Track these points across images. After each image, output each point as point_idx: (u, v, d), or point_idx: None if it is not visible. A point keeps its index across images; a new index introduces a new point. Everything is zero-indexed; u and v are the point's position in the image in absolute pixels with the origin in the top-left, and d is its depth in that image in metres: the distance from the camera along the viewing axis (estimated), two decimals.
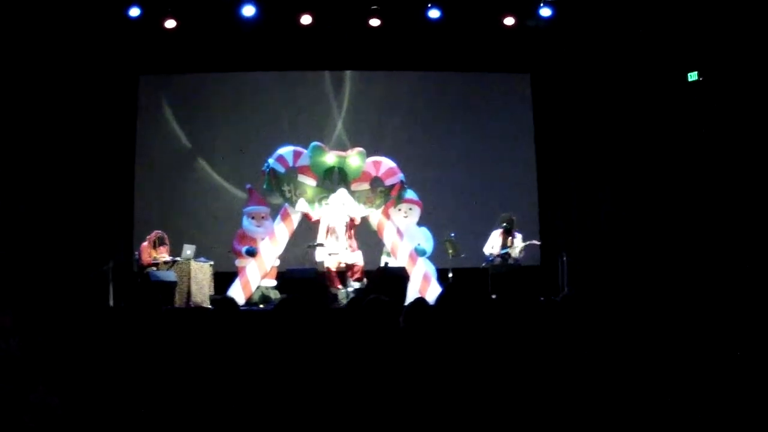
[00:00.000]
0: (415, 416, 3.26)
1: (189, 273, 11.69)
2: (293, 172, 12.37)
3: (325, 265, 12.10)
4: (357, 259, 12.14)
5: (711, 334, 4.51)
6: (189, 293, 11.58)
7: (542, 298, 4.75)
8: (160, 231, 12.12)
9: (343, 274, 12.03)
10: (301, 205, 12.34)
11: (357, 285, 11.84)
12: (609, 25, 13.96)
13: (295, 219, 12.56)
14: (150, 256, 11.83)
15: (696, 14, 13.18)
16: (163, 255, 11.90)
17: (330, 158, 12.45)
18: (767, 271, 11.57)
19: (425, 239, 12.81)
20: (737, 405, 3.51)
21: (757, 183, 12.95)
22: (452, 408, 3.26)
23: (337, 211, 12.06)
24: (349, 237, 12.05)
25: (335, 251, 11.98)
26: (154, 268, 11.72)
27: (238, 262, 12.45)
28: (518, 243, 12.44)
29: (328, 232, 12.10)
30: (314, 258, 12.18)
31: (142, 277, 11.69)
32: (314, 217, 12.28)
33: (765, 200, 12.77)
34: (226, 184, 14.61)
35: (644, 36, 13.81)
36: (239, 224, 12.58)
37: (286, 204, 12.48)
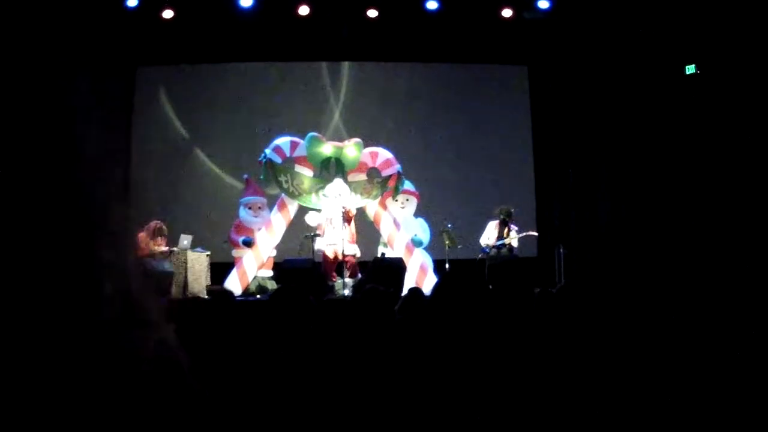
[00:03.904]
0: (410, 406, 3.27)
1: (185, 263, 11.67)
2: (290, 162, 12.36)
3: (322, 254, 12.09)
4: (354, 251, 12.12)
5: (708, 328, 4.51)
6: (185, 284, 11.57)
7: (537, 289, 4.75)
8: (159, 221, 12.04)
9: (340, 265, 12.01)
10: (312, 219, 12.28)
11: (350, 281, 11.81)
12: (607, 18, 13.95)
13: (292, 209, 12.56)
14: (147, 247, 11.80)
15: (693, 7, 13.18)
16: (160, 246, 11.88)
17: (327, 149, 12.43)
18: (763, 265, 11.58)
19: (422, 230, 12.82)
20: (735, 400, 3.52)
21: (755, 176, 12.96)
22: (447, 398, 3.28)
23: (333, 201, 12.03)
24: (348, 228, 12.01)
25: (332, 242, 11.96)
26: (151, 259, 11.70)
27: (235, 253, 12.46)
28: (514, 235, 12.43)
29: (325, 222, 12.08)
30: (312, 248, 12.16)
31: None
32: (324, 225, 12.19)
33: (762, 194, 12.78)
34: (223, 175, 14.63)
35: (642, 29, 13.81)
36: (236, 214, 12.59)
37: (283, 194, 12.48)
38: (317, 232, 12.05)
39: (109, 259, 0.97)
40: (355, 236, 12.17)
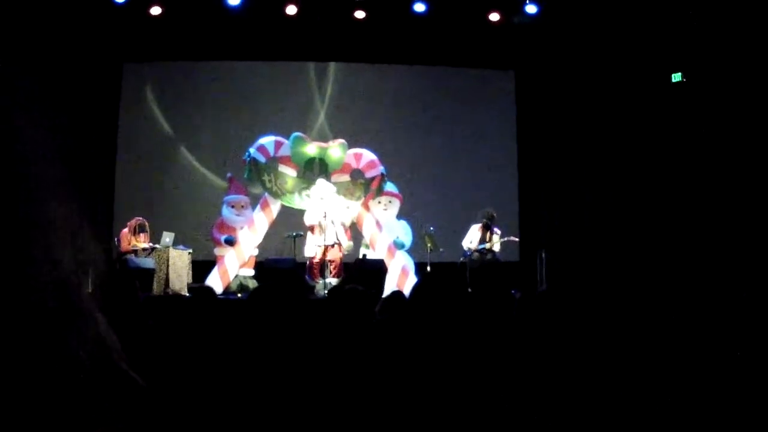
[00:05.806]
0: (388, 407, 3.28)
1: (167, 260, 11.67)
2: (274, 162, 12.36)
3: (307, 255, 12.11)
4: (338, 252, 12.12)
5: (692, 333, 4.53)
6: (167, 281, 11.56)
7: (514, 292, 4.77)
8: (141, 218, 12.03)
9: (323, 266, 12.02)
10: (310, 218, 12.23)
11: (335, 281, 11.79)
12: (594, 24, 14.00)
13: (275, 209, 12.55)
14: (129, 243, 11.78)
15: (681, 15, 13.25)
16: (142, 242, 11.87)
17: (311, 149, 12.43)
18: (748, 271, 11.63)
19: (404, 232, 12.82)
20: (718, 408, 3.53)
21: (740, 183, 13.03)
22: (425, 400, 3.28)
23: (316, 203, 12.03)
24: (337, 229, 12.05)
25: (321, 243, 11.96)
26: (133, 255, 11.68)
27: (217, 251, 12.44)
28: (497, 239, 12.45)
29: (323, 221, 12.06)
30: (294, 248, 12.17)
31: (120, 263, 11.65)
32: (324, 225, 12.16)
33: (747, 199, 12.85)
34: (207, 173, 14.60)
35: (629, 36, 13.86)
36: (219, 213, 12.57)
37: (266, 193, 12.47)
38: (305, 232, 12.09)
39: (43, 253, 0.98)
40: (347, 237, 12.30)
